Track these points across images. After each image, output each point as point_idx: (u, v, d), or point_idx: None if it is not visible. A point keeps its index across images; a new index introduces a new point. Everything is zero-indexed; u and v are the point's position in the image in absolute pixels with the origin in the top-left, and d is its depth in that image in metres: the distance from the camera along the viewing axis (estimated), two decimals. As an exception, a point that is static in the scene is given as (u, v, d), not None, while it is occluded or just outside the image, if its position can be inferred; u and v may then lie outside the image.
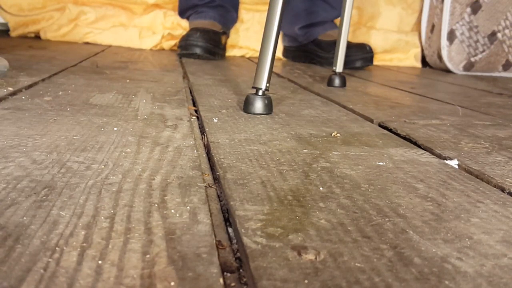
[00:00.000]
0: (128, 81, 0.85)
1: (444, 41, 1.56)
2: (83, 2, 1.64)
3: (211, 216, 0.29)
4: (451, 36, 1.55)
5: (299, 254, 0.25)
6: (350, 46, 1.44)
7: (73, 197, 0.30)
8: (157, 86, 0.81)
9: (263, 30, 0.63)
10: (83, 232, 0.25)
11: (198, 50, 1.40)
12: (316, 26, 1.53)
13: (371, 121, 0.64)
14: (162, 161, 0.39)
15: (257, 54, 0.65)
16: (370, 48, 1.45)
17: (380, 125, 0.61)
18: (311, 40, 1.53)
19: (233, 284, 0.22)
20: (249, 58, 1.62)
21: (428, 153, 0.48)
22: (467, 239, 0.28)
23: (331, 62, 1.45)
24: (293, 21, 1.53)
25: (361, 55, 1.43)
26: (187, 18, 1.59)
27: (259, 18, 1.66)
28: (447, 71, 1.59)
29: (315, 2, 1.51)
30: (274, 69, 1.18)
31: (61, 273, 0.21)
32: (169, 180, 0.35)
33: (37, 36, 1.66)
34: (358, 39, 1.69)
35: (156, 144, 0.44)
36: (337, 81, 0.98)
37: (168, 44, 1.65)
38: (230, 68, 1.26)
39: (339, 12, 1.53)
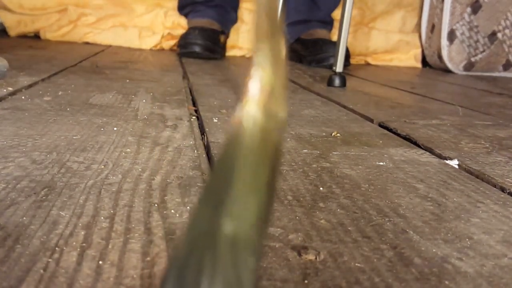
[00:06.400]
0: (128, 81, 0.85)
1: (444, 41, 1.56)
2: (84, 4, 1.64)
3: (211, 216, 0.29)
4: (451, 36, 1.55)
5: (299, 254, 0.24)
6: (328, 42, 1.44)
7: (73, 197, 0.30)
8: (157, 86, 0.81)
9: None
10: (83, 232, 0.25)
11: (197, 48, 1.40)
12: (300, 25, 1.53)
13: (371, 121, 0.64)
14: (162, 161, 0.39)
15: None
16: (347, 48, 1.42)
17: (380, 125, 0.61)
18: (295, 39, 1.54)
19: (233, 284, 0.22)
20: (249, 58, 1.62)
21: (428, 153, 0.48)
22: (467, 239, 0.28)
23: (311, 60, 1.45)
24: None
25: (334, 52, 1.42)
26: (186, 15, 1.60)
27: (260, 18, 1.65)
28: (447, 71, 1.59)
29: (303, 0, 1.51)
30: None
31: (61, 273, 0.21)
32: (169, 180, 0.35)
33: (36, 36, 1.66)
34: (359, 39, 1.69)
35: (156, 144, 0.44)
36: (337, 81, 0.98)
37: (168, 44, 1.65)
38: (230, 68, 1.26)
39: (325, 14, 1.54)
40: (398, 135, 0.56)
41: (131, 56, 1.33)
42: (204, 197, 0.13)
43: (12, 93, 0.64)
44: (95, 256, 0.23)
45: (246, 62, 1.47)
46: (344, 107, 0.73)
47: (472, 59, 1.56)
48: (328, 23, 1.56)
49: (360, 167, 0.41)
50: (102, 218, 0.27)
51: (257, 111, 0.13)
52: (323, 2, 1.52)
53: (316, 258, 0.24)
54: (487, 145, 0.53)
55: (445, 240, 0.28)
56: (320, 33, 1.51)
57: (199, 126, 0.55)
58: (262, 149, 0.13)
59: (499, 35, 1.55)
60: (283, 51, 0.13)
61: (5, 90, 0.65)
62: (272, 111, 0.13)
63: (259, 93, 0.13)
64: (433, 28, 1.63)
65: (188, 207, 0.30)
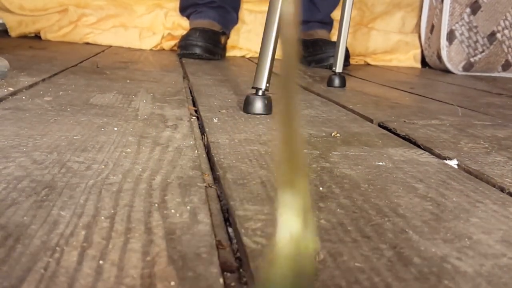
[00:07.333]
0: (128, 81, 0.85)
1: (443, 42, 1.56)
2: (85, 4, 1.64)
3: (211, 216, 0.29)
4: (451, 36, 1.55)
5: (299, 254, 0.25)
6: (328, 42, 1.44)
7: (74, 197, 0.30)
8: (157, 86, 0.81)
9: (263, 30, 0.63)
10: (83, 232, 0.25)
11: (197, 50, 1.40)
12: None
13: (371, 121, 0.64)
14: (162, 161, 0.39)
15: (257, 55, 0.65)
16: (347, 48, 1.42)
17: (379, 125, 0.62)
18: None
19: (233, 284, 0.22)
20: (249, 59, 1.62)
21: (427, 153, 0.48)
22: (466, 239, 0.28)
23: (311, 61, 1.45)
24: None
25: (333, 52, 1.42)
26: (187, 17, 1.60)
27: (261, 19, 1.66)
28: (447, 71, 1.59)
29: (302, 1, 1.51)
30: (274, 69, 1.18)
31: (62, 272, 0.21)
32: (169, 180, 0.35)
33: (37, 36, 1.66)
34: (359, 39, 1.69)
35: (156, 144, 0.44)
36: (336, 81, 0.98)
37: (168, 44, 1.65)
38: (230, 68, 1.26)
39: (324, 15, 1.54)
40: (398, 135, 0.56)
41: (131, 57, 1.33)
42: None
43: (13, 93, 0.64)
44: (95, 255, 0.23)
45: (246, 63, 1.47)
46: (344, 107, 0.74)
47: (472, 60, 1.56)
48: (327, 24, 1.56)
49: (359, 167, 0.41)
50: (102, 218, 0.27)
51: (289, 254, 0.13)
52: (322, 3, 1.52)
53: (315, 258, 0.24)
54: (486, 145, 0.53)
55: (444, 240, 0.28)
56: (320, 33, 1.51)
57: (199, 126, 0.55)
58: None
59: (498, 35, 1.55)
60: (307, 190, 0.13)
61: (6, 90, 0.65)
62: (302, 252, 0.13)
63: (289, 237, 0.13)
64: (433, 28, 1.63)
65: (188, 207, 0.30)
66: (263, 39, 0.63)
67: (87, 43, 1.61)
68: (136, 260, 0.23)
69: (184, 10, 1.60)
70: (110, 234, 0.25)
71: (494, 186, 0.39)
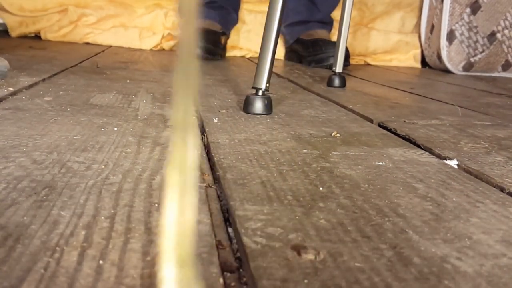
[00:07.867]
0: (128, 81, 0.85)
1: (443, 42, 1.56)
2: (85, 4, 1.64)
3: (211, 216, 0.29)
4: (451, 36, 1.55)
5: (299, 254, 0.25)
6: (328, 42, 1.44)
7: (74, 197, 0.30)
8: (157, 86, 0.81)
9: (263, 30, 0.63)
10: (83, 232, 0.25)
11: (197, 50, 1.40)
12: (299, 25, 1.54)
13: (371, 121, 0.64)
14: (162, 161, 0.39)
15: (257, 55, 0.65)
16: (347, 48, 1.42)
17: (379, 125, 0.62)
18: (295, 39, 1.54)
19: (233, 284, 0.22)
20: (249, 59, 1.62)
21: (427, 153, 0.48)
22: (466, 239, 0.28)
23: (311, 61, 1.45)
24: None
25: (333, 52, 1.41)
26: None
27: (261, 19, 1.66)
28: (447, 71, 1.59)
29: (302, 1, 1.51)
30: (274, 69, 1.18)
31: (62, 272, 0.21)
32: (169, 180, 0.35)
33: (37, 36, 1.66)
34: (359, 39, 1.69)
35: (156, 144, 0.44)
36: (336, 81, 0.98)
37: (168, 44, 1.65)
38: (230, 68, 1.26)
39: (324, 15, 1.54)
40: (398, 135, 0.56)
41: (131, 57, 1.33)
42: None
43: (13, 93, 0.64)
44: (95, 255, 0.23)
45: (246, 63, 1.47)
46: (344, 107, 0.74)
47: (472, 60, 1.56)
48: (327, 24, 1.56)
49: (359, 167, 0.41)
50: (102, 218, 0.27)
51: None
52: (322, 3, 1.52)
53: (315, 258, 0.24)
54: (486, 145, 0.53)
55: (444, 240, 0.28)
56: (320, 33, 1.51)
57: (199, 126, 0.55)
58: None
59: (498, 35, 1.55)
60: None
61: (5, 91, 0.65)
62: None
63: None
64: (433, 28, 1.63)
65: (188, 207, 0.30)
66: (263, 39, 0.63)
67: (87, 43, 1.61)
68: (136, 260, 0.23)
69: None
70: (110, 234, 0.25)
71: (494, 186, 0.39)
